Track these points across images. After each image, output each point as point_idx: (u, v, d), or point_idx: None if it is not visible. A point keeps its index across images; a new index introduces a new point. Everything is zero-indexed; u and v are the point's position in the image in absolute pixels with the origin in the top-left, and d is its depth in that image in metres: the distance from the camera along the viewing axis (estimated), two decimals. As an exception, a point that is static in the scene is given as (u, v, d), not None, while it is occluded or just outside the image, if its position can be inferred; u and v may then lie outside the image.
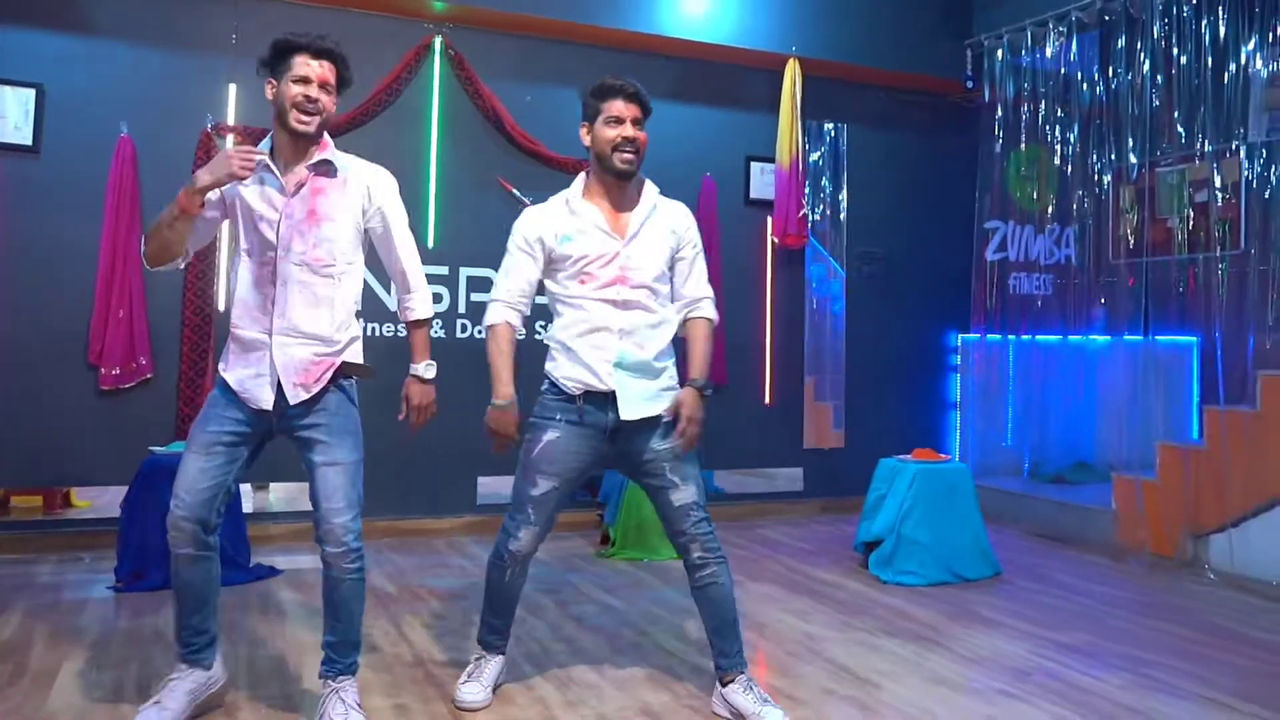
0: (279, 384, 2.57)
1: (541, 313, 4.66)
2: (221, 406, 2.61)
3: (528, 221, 2.86)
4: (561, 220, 2.80)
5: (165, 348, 4.59)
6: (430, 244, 5.05)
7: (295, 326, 2.59)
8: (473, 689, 2.80)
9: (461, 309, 5.14)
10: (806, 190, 5.71)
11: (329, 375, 2.62)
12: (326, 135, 2.68)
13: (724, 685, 2.80)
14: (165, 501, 3.95)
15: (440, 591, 4.04)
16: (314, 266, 2.60)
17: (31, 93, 4.38)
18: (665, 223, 2.86)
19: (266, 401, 2.57)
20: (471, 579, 4.24)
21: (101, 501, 5.15)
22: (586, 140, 2.80)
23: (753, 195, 5.72)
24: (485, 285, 5.16)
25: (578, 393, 2.77)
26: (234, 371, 2.62)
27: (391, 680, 2.98)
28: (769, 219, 5.70)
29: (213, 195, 2.60)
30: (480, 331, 5.15)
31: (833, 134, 5.91)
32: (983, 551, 4.46)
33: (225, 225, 2.77)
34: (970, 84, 5.89)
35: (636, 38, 5.32)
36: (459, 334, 5.13)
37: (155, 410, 4.55)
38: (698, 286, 2.92)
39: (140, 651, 3.16)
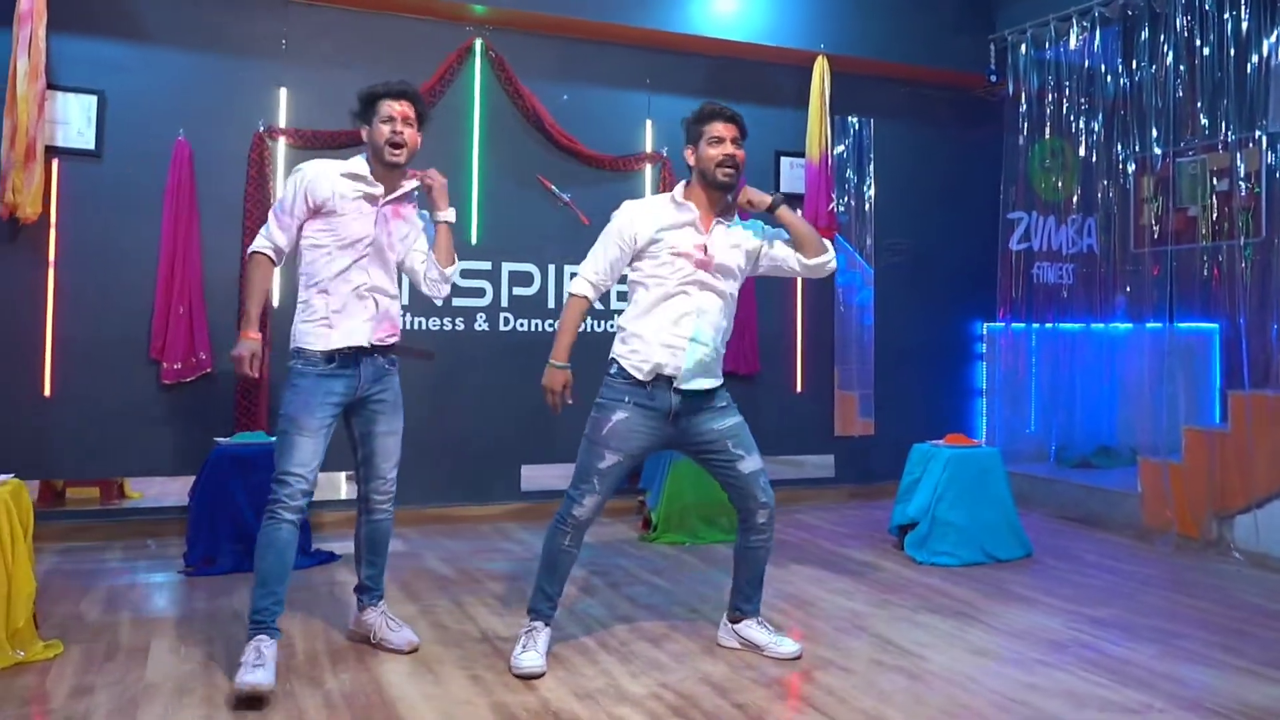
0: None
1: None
2: (323, 392, 3.00)
3: (627, 215, 3.12)
4: (663, 213, 3.08)
5: (224, 343, 4.76)
6: (473, 241, 5.21)
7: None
8: (531, 657, 2.98)
9: (504, 303, 5.30)
10: (839, 184, 5.87)
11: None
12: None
13: (735, 622, 3.26)
14: (231, 489, 4.22)
15: (494, 573, 4.21)
16: None
17: (93, 99, 4.55)
18: (747, 227, 3.23)
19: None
20: (521, 561, 4.42)
21: (155, 491, 5.35)
22: (691, 160, 3.13)
23: (782, 189, 5.86)
24: (527, 280, 5.33)
25: (648, 377, 3.01)
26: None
27: (463, 654, 3.15)
28: (799, 212, 5.82)
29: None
30: (522, 325, 5.33)
31: (859, 128, 6.05)
32: (1015, 532, 4.61)
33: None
34: (994, 78, 6.02)
35: (669, 37, 5.47)
36: (501, 327, 5.29)
37: (215, 403, 4.73)
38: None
39: (223, 630, 3.33)
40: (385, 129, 3.05)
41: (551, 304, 5.38)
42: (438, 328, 5.16)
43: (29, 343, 4.48)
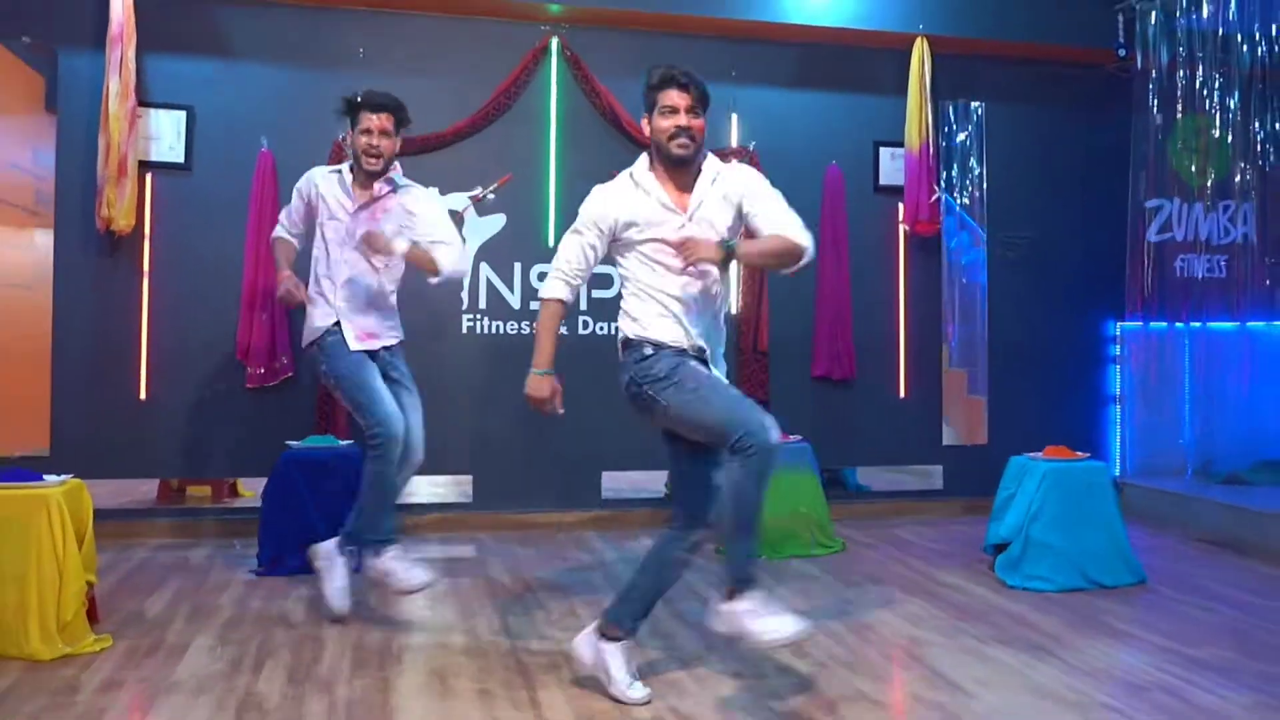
0: None
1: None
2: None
3: (594, 202, 2.90)
4: (628, 198, 2.83)
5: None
6: (550, 242, 5.15)
7: None
8: (639, 689, 2.78)
9: (583, 305, 5.22)
10: (943, 174, 5.49)
11: None
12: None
13: (731, 598, 2.74)
14: (300, 492, 4.31)
15: (550, 583, 4.13)
16: None
17: (183, 114, 4.77)
18: (722, 190, 2.86)
19: None
20: (583, 572, 4.32)
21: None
22: (647, 130, 2.86)
23: (882, 181, 5.53)
24: (606, 282, 5.24)
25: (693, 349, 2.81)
26: None
27: (483, 666, 3.07)
28: (900, 205, 5.50)
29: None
30: (601, 328, 5.23)
31: (970, 113, 5.63)
32: (1123, 557, 4.15)
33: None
34: (1123, 52, 5.45)
35: (755, 26, 5.25)
36: (581, 330, 5.22)
37: (296, 407, 4.86)
38: (782, 222, 2.83)
39: (263, 630, 3.39)
40: (363, 139, 3.47)
41: (632, 306, 5.26)
42: (514, 331, 5.14)
43: (126, 349, 4.74)
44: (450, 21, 5.03)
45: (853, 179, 5.49)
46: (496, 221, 5.12)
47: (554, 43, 5.15)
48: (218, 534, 4.86)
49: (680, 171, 2.84)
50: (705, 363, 2.86)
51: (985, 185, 5.65)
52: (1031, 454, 4.33)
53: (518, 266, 5.14)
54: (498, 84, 5.03)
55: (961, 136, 5.62)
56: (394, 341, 3.69)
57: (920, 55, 5.26)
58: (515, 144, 5.12)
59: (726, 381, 2.89)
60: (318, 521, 4.19)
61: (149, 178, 4.74)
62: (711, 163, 2.91)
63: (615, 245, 2.89)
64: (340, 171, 3.62)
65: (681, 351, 2.79)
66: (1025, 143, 5.74)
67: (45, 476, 3.29)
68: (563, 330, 5.04)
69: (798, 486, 4.75)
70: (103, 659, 3.07)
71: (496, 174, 5.06)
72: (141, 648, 3.19)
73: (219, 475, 4.92)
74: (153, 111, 4.72)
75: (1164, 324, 5.60)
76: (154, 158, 4.73)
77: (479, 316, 5.10)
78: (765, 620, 2.63)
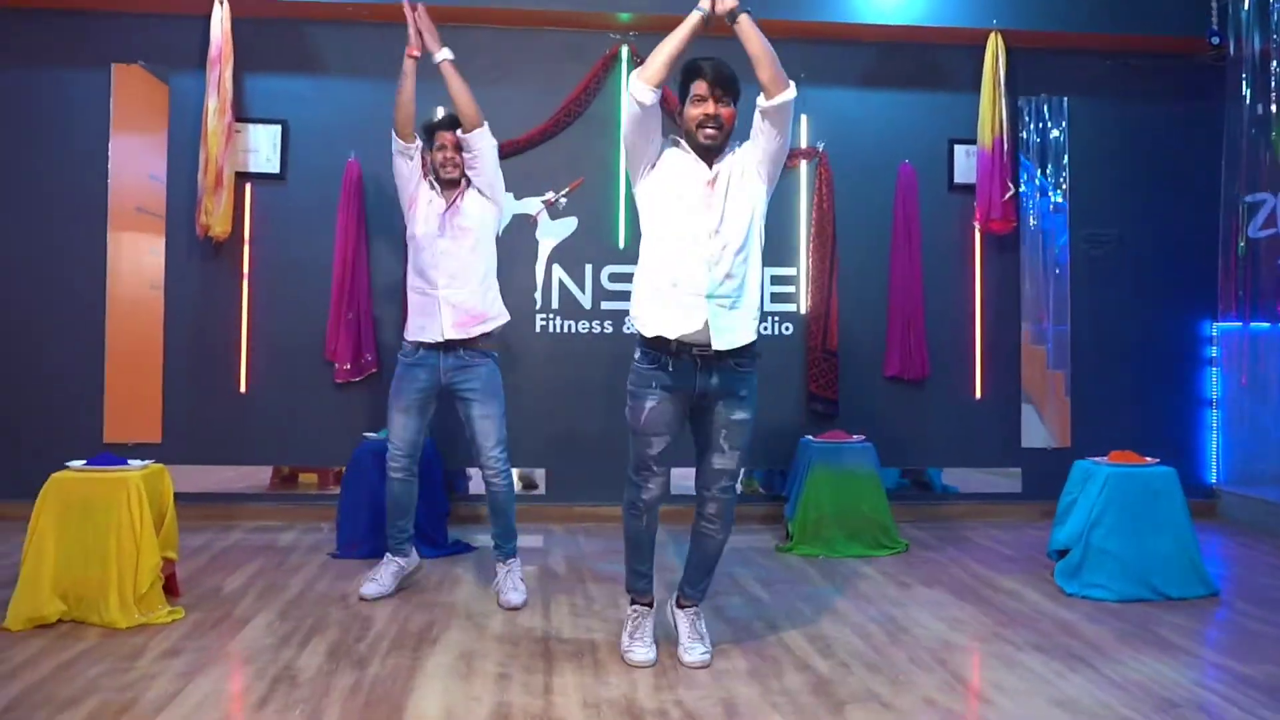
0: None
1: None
2: (410, 378, 3.83)
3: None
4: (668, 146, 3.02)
5: (390, 345, 5.17)
6: (621, 245, 5.28)
7: None
8: (641, 650, 3.08)
9: (652, 306, 5.32)
10: (1021, 171, 5.35)
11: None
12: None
13: (678, 606, 3.22)
14: (373, 480, 4.56)
15: (603, 575, 4.25)
16: None
17: (278, 128, 5.13)
18: (739, 157, 3.01)
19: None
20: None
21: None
22: (679, 121, 2.99)
23: (957, 180, 5.42)
24: (674, 282, 5.32)
25: (669, 339, 2.91)
26: None
27: (510, 651, 3.21)
28: (975, 204, 5.37)
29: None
30: (670, 327, 5.31)
31: (1050, 108, 5.44)
32: (1194, 567, 3.96)
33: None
34: (1216, 40, 5.17)
35: (825, 27, 5.24)
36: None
37: (379, 401, 5.12)
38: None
39: (320, 609, 3.63)
40: (439, 154, 3.84)
41: (701, 306, 5.33)
42: (585, 330, 5.29)
43: (228, 345, 5.13)
44: (524, 33, 5.21)
45: (926, 177, 5.40)
46: (568, 224, 5.28)
47: (624, 50, 5.27)
48: (313, 519, 5.19)
49: (710, 159, 2.96)
50: (696, 360, 2.95)
51: (1068, 181, 5.45)
52: (1096, 458, 4.19)
53: (589, 268, 5.28)
54: (570, 92, 5.19)
55: (1043, 132, 5.44)
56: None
57: (994, 50, 5.13)
58: (586, 149, 5.27)
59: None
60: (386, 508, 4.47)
61: (248, 187, 5.11)
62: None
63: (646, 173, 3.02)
64: (428, 181, 3.92)
65: (659, 357, 2.95)
66: (1110, 136, 5.52)
67: (129, 462, 3.63)
68: (632, 329, 5.24)
69: (859, 486, 4.73)
70: (171, 629, 3.37)
71: (568, 178, 5.23)
72: (208, 621, 3.48)
73: (310, 464, 5.25)
74: (251, 126, 5.10)
75: (1266, 324, 5.27)
76: (252, 169, 5.11)
77: (551, 316, 5.27)
78: (690, 641, 3.12)
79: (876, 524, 4.71)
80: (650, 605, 3.23)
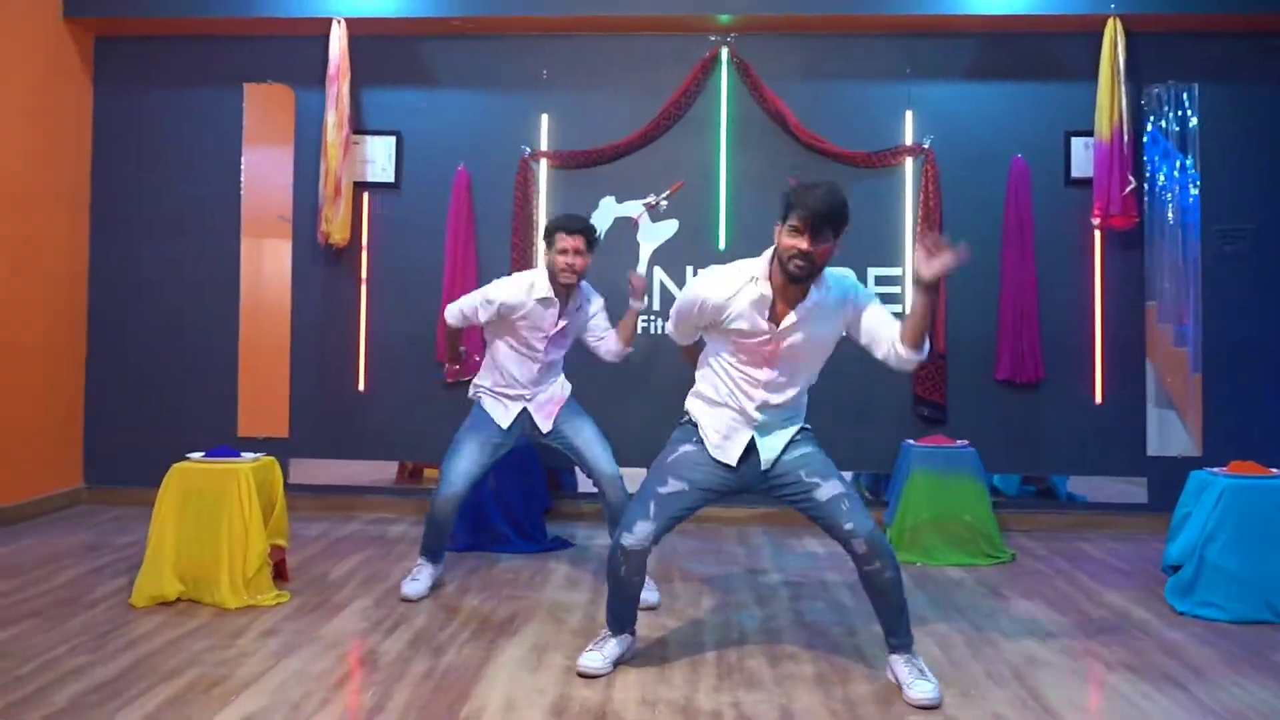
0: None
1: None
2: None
3: (700, 286, 2.99)
4: (731, 290, 2.90)
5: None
6: (721, 246, 5.28)
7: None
8: (594, 658, 3.02)
9: (753, 307, 5.30)
10: (1152, 164, 5.05)
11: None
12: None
13: (889, 653, 3.02)
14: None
15: (691, 574, 4.28)
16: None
17: (393, 139, 5.38)
18: (834, 297, 2.93)
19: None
20: (729, 566, 4.43)
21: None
22: (776, 236, 2.88)
23: (1074, 174, 5.16)
24: (775, 283, 5.28)
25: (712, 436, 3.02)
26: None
27: (583, 645, 3.24)
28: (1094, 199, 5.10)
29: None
30: (771, 328, 5.28)
31: (1179, 96, 5.11)
32: (1322, 588, 3.66)
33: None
34: (1369, 14, 4.75)
35: (931, 20, 5.08)
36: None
37: (485, 400, 5.33)
38: (892, 322, 2.97)
39: (448, 594, 3.83)
40: (561, 259, 3.76)
41: (802, 307, 5.27)
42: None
43: (347, 346, 5.42)
44: (625, 39, 5.29)
45: (1041, 172, 5.17)
46: (669, 227, 5.32)
47: (723, 52, 5.27)
48: (424, 512, 5.41)
49: (793, 287, 2.87)
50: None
51: (1199, 173, 5.10)
52: (1214, 468, 3.93)
53: (689, 270, 5.31)
54: (670, 95, 5.23)
55: (1170, 121, 5.11)
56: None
57: (1111, 36, 4.85)
58: (687, 152, 5.30)
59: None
60: (488, 501, 4.65)
61: (365, 196, 5.39)
62: (826, 274, 2.93)
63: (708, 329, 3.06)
64: (533, 285, 3.84)
65: (698, 438, 3.04)
66: (1245, 125, 5.12)
67: (242, 454, 3.90)
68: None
69: (961, 493, 4.58)
70: (275, 612, 3.61)
71: (669, 181, 5.27)
72: (309, 605, 3.71)
73: (422, 459, 5.48)
74: (368, 138, 5.37)
75: None
76: (369, 179, 5.38)
77: (653, 318, 5.33)
78: (914, 680, 2.91)
79: (979, 532, 4.55)
80: (627, 634, 3.15)
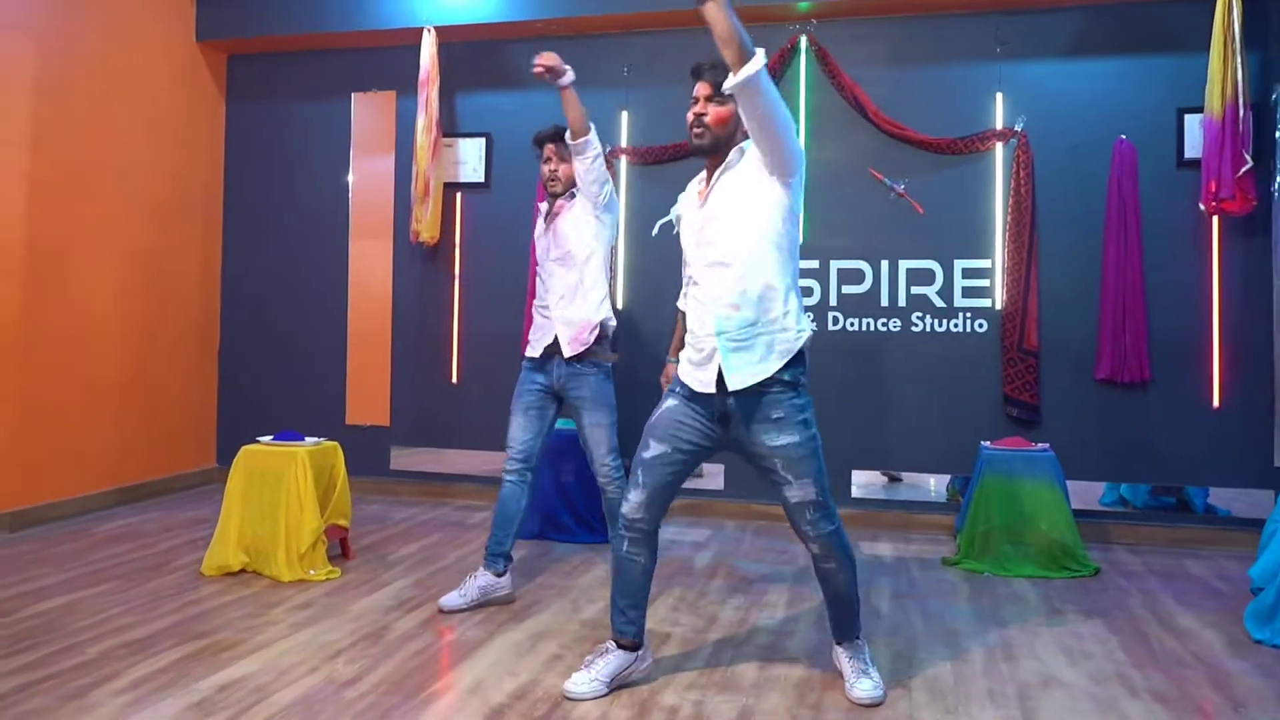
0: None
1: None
2: (530, 381, 3.93)
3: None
4: (681, 200, 2.99)
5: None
6: (800, 237, 5.15)
7: None
8: (578, 679, 2.81)
9: (833, 302, 5.15)
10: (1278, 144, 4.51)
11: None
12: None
13: (836, 644, 2.97)
14: (547, 466, 4.84)
15: (737, 572, 4.22)
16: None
17: (483, 140, 5.59)
18: (745, 160, 2.75)
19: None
20: (781, 567, 4.33)
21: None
22: None
23: (1188, 155, 4.68)
24: (856, 278, 5.12)
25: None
26: None
27: (582, 636, 3.31)
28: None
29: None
30: (852, 324, 5.13)
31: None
32: None
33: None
34: None
35: (1023, -5, 4.77)
36: (830, 326, 5.15)
37: (567, 393, 5.45)
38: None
39: (453, 581, 3.92)
40: (545, 168, 3.86)
41: (884, 302, 5.06)
42: (764, 327, 5.23)
43: (442, 340, 5.68)
44: (704, 33, 5.21)
45: (1148, 154, 4.72)
46: (748, 220, 5.24)
47: (802, 40, 5.14)
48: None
49: (713, 166, 2.81)
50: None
51: (1351, 149, 4.51)
52: (1308, 483, 3.48)
53: (768, 264, 5.21)
54: (747, 87, 5.15)
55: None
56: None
57: (1224, 4, 4.35)
58: (766, 144, 5.20)
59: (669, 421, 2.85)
60: (551, 491, 4.76)
61: (458, 196, 5.63)
62: (740, 147, 2.78)
63: None
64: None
65: (679, 386, 2.86)
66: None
67: (305, 438, 4.19)
68: (813, 326, 5.11)
69: (1036, 500, 4.27)
70: (322, 586, 3.86)
71: (747, 174, 5.20)
72: (355, 582, 3.94)
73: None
74: (461, 140, 5.61)
75: None
76: (461, 179, 5.62)
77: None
78: (857, 676, 2.87)
79: (1056, 543, 4.23)
80: (628, 649, 2.88)
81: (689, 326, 2.86)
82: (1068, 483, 4.74)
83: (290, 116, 5.98)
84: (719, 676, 2.98)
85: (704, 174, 2.88)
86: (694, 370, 2.80)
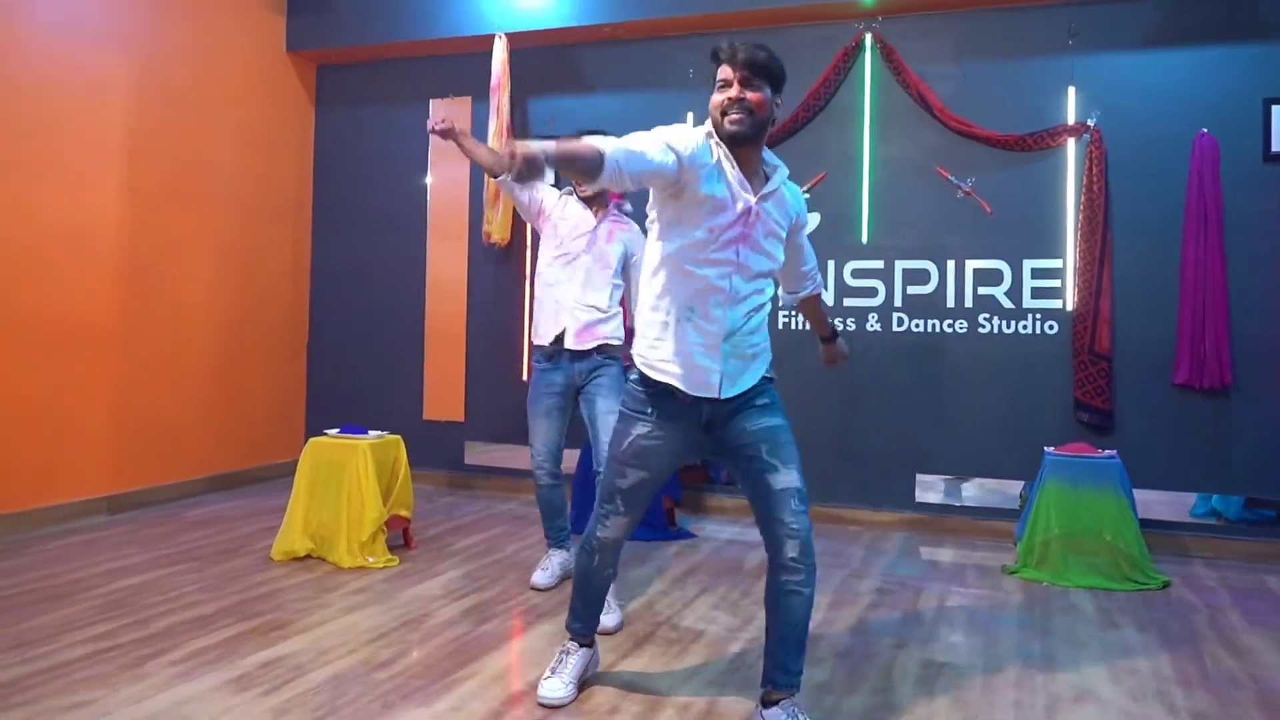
0: None
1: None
2: (545, 383, 3.88)
3: (681, 131, 2.51)
4: (705, 151, 2.50)
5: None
6: (864, 239, 5.10)
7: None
8: (553, 685, 2.77)
9: (897, 302, 5.06)
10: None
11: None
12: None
13: (765, 706, 2.55)
14: (591, 465, 4.90)
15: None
16: None
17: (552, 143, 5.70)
18: (787, 197, 2.66)
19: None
20: (827, 572, 4.23)
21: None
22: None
23: (1275, 148, 4.42)
24: (921, 278, 5.03)
25: (675, 386, 2.57)
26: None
27: (629, 633, 3.39)
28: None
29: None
30: (917, 325, 5.04)
31: None
32: None
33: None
34: None
35: (1100, -16, 4.60)
36: (895, 328, 5.07)
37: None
38: (811, 259, 2.92)
39: (502, 573, 4.08)
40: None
41: (950, 302, 4.96)
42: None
43: (513, 338, 5.83)
44: (769, 32, 5.23)
45: (1232, 147, 4.48)
46: (811, 219, 5.20)
47: (867, 38, 5.07)
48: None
49: (743, 157, 2.54)
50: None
51: None
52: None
53: (831, 264, 5.17)
54: (809, 86, 5.12)
55: None
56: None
57: (1313, -16, 4.12)
58: (829, 142, 5.16)
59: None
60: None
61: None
62: (780, 167, 2.67)
63: (670, 190, 2.52)
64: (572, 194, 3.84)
65: (649, 408, 2.65)
66: None
67: (369, 432, 4.38)
68: (876, 328, 5.08)
69: (1100, 509, 4.13)
70: (379, 573, 4.03)
71: (811, 173, 5.16)
72: (411, 571, 4.10)
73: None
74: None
75: None
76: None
77: (792, 312, 5.25)
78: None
79: (1121, 553, 4.08)
80: (587, 646, 2.91)
81: (662, 319, 2.61)
82: (1149, 492, 4.60)
83: (374, 122, 6.23)
84: (740, 676, 3.00)
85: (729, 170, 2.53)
86: (687, 373, 2.60)
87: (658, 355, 2.61)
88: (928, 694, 2.88)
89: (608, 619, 3.33)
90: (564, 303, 3.72)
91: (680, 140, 2.44)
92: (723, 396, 2.58)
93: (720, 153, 2.52)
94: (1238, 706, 2.82)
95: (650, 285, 2.64)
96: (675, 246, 2.55)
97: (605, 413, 3.67)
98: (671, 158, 2.40)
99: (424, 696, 2.76)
